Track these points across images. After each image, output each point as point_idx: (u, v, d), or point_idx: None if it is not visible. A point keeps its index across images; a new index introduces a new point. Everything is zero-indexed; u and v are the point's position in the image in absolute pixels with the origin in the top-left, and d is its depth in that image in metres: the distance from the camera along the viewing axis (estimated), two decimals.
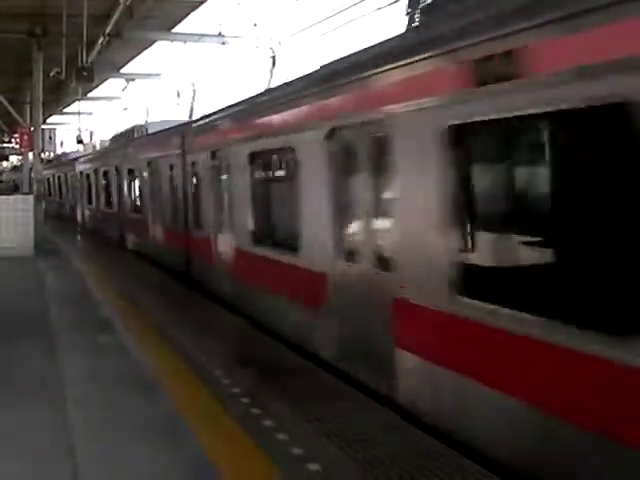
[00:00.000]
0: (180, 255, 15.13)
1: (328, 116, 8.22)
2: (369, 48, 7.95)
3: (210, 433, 6.06)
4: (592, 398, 4.58)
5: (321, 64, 9.22)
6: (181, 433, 6.08)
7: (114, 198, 22.86)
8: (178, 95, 31.77)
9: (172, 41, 24.44)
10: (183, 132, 15.10)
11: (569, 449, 4.78)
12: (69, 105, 40.15)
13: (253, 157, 10.89)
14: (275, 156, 10.36)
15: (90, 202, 27.82)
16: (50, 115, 42.88)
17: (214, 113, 13.82)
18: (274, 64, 20.16)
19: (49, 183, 42.60)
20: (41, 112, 24.11)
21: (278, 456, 5.51)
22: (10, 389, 7.49)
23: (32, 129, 24.06)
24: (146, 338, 9.68)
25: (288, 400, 6.81)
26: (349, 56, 8.46)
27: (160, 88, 33.55)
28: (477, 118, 5.63)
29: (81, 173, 30.19)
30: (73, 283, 14.99)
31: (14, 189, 39.12)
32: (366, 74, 7.38)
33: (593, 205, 4.75)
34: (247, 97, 12.24)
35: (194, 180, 14.07)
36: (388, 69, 6.91)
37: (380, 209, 7.19)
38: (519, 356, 5.19)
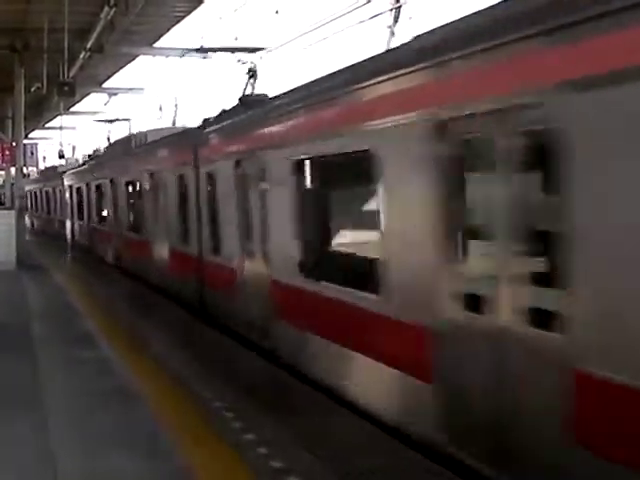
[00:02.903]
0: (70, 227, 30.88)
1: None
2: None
3: (192, 446, 6.07)
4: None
5: None
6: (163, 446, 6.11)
7: (41, 206, 42.12)
8: (160, 109, 32.03)
9: (154, 55, 24.47)
10: (61, 174, 32.21)
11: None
12: (52, 120, 40.08)
13: (98, 187, 23.30)
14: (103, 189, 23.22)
15: (34, 209, 46.00)
16: (32, 130, 42.78)
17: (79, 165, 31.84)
18: (255, 77, 20.22)
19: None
20: (23, 127, 24.06)
21: (259, 468, 5.54)
22: None
23: (14, 144, 23.99)
24: (127, 352, 9.70)
25: (270, 413, 6.83)
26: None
27: (143, 102, 33.96)
28: None
29: (29, 192, 47.02)
30: (55, 296, 15.10)
31: None
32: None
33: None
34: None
35: (69, 197, 30.13)
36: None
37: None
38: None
